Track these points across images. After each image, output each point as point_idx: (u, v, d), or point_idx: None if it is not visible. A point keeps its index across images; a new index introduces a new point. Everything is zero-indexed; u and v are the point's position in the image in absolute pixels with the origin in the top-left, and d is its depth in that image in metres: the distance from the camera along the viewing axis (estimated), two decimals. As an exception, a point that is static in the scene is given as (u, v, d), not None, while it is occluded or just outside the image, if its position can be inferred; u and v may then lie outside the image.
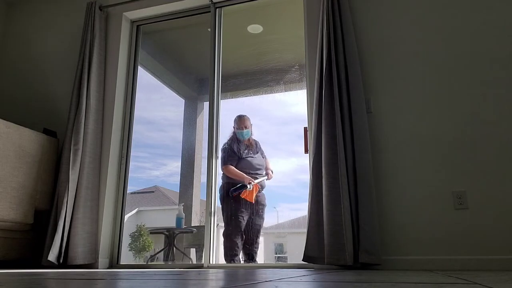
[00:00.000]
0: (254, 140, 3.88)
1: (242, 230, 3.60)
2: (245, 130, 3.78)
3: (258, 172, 3.75)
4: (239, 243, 3.55)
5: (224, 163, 3.67)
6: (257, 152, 3.83)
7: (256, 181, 3.64)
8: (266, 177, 3.78)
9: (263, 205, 3.74)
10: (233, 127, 3.82)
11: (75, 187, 2.95)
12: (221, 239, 3.63)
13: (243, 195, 3.61)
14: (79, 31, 3.64)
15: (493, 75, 2.60)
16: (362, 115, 2.61)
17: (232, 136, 3.80)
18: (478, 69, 2.63)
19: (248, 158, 3.74)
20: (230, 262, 3.47)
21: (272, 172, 3.85)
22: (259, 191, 3.71)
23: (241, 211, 3.63)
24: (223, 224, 3.68)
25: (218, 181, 3.20)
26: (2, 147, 2.78)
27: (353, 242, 2.39)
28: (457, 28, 2.73)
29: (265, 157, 3.89)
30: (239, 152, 3.73)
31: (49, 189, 3.06)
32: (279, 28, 4.07)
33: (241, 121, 3.81)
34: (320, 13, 2.89)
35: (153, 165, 4.19)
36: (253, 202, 3.64)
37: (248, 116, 3.87)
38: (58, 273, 2.08)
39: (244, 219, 3.62)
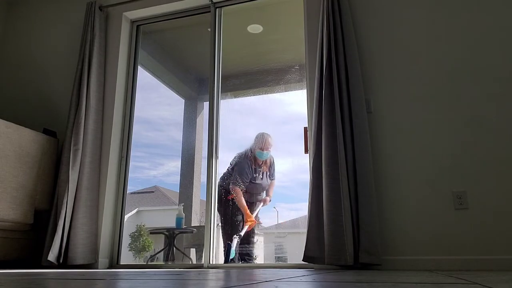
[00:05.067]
0: (271, 157, 3.84)
1: (238, 225, 3.62)
2: (265, 152, 3.73)
3: (259, 196, 3.78)
4: (235, 238, 3.55)
5: (235, 183, 3.67)
6: (267, 174, 3.81)
7: (243, 231, 3.60)
8: (262, 204, 3.79)
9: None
10: (255, 144, 3.75)
11: (75, 187, 2.95)
12: (221, 238, 3.64)
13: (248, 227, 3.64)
14: (79, 31, 3.64)
15: (494, 75, 2.60)
16: (362, 115, 2.61)
17: (249, 151, 3.76)
18: (479, 69, 2.63)
19: (257, 181, 3.74)
20: (225, 249, 3.48)
21: (270, 199, 3.83)
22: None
23: (236, 214, 3.65)
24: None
25: (218, 181, 3.19)
26: (2, 147, 2.78)
27: (353, 242, 2.39)
28: (458, 28, 2.73)
29: (273, 178, 3.86)
30: (252, 173, 3.71)
31: (49, 189, 3.06)
32: (279, 28, 4.07)
33: (264, 141, 3.73)
34: (320, 13, 2.89)
35: (151, 164, 4.18)
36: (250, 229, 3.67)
37: (270, 134, 3.80)
38: (58, 273, 2.08)
39: (239, 217, 3.65)
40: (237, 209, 3.66)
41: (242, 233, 3.56)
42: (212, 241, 2.97)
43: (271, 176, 3.84)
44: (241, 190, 3.65)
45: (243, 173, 3.68)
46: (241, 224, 3.64)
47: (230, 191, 3.69)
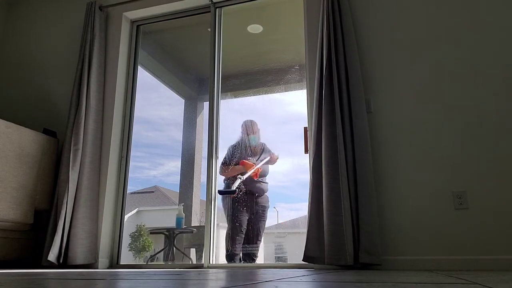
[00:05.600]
0: (261, 143, 3.85)
1: (243, 229, 3.60)
2: (251, 136, 3.74)
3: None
4: (239, 242, 3.55)
5: (221, 168, 3.66)
6: (260, 159, 3.80)
7: (246, 175, 3.55)
8: (267, 159, 3.74)
9: (265, 206, 3.73)
10: (241, 132, 3.79)
11: (75, 187, 2.95)
12: (221, 239, 3.63)
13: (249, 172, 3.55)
14: (79, 31, 3.64)
15: (494, 75, 2.60)
16: (362, 115, 2.61)
17: (239, 141, 3.77)
18: (478, 69, 2.63)
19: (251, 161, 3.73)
20: (231, 262, 3.47)
21: (277, 156, 3.77)
22: (260, 180, 3.70)
23: (241, 211, 3.63)
24: (223, 224, 3.68)
25: (218, 181, 3.19)
26: (2, 147, 2.78)
27: (353, 242, 2.39)
28: (458, 28, 2.73)
29: (270, 154, 3.83)
30: (241, 158, 3.70)
31: (49, 189, 3.06)
32: (279, 28, 4.07)
33: (248, 126, 3.77)
34: (320, 13, 2.89)
35: (151, 164, 4.18)
36: (256, 177, 3.59)
37: (255, 121, 3.82)
38: (58, 273, 2.08)
39: (244, 218, 3.62)
40: (241, 208, 3.63)
41: (245, 176, 3.50)
42: (212, 241, 2.97)
43: (266, 155, 3.82)
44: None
45: (233, 156, 3.67)
46: (250, 212, 3.61)
47: (229, 186, 3.66)
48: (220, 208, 3.64)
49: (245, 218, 3.63)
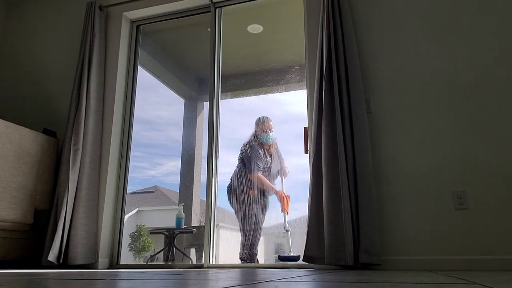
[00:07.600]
0: (275, 142, 3.83)
1: (260, 227, 3.58)
2: (270, 133, 3.68)
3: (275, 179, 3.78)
4: (258, 239, 3.52)
5: (254, 170, 3.63)
6: (276, 157, 3.79)
7: (286, 222, 3.58)
8: (284, 178, 3.78)
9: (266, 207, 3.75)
10: (257, 129, 3.73)
11: (75, 187, 2.95)
12: (221, 238, 3.63)
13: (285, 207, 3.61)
14: (79, 31, 3.64)
15: (494, 75, 2.60)
16: (362, 115, 2.61)
17: (253, 139, 3.73)
18: (479, 69, 2.63)
19: (269, 167, 3.72)
20: (250, 261, 3.45)
21: (288, 170, 3.80)
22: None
23: (255, 207, 3.61)
24: (223, 224, 3.68)
25: (218, 181, 3.19)
26: (2, 147, 2.78)
27: (353, 242, 2.39)
28: (458, 28, 2.73)
29: (281, 159, 3.84)
30: (265, 159, 3.68)
31: (49, 189, 3.06)
32: (279, 28, 4.07)
33: (265, 123, 3.69)
34: (320, 13, 2.89)
35: (149, 164, 4.18)
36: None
37: (269, 117, 3.77)
38: (58, 273, 2.08)
39: (260, 216, 3.61)
40: (255, 204, 3.61)
41: (287, 225, 3.52)
42: (212, 241, 2.97)
43: (279, 157, 3.82)
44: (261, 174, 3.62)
45: (258, 159, 3.63)
46: (264, 209, 3.60)
47: (248, 185, 3.62)
48: (221, 208, 3.64)
49: (260, 216, 3.62)
